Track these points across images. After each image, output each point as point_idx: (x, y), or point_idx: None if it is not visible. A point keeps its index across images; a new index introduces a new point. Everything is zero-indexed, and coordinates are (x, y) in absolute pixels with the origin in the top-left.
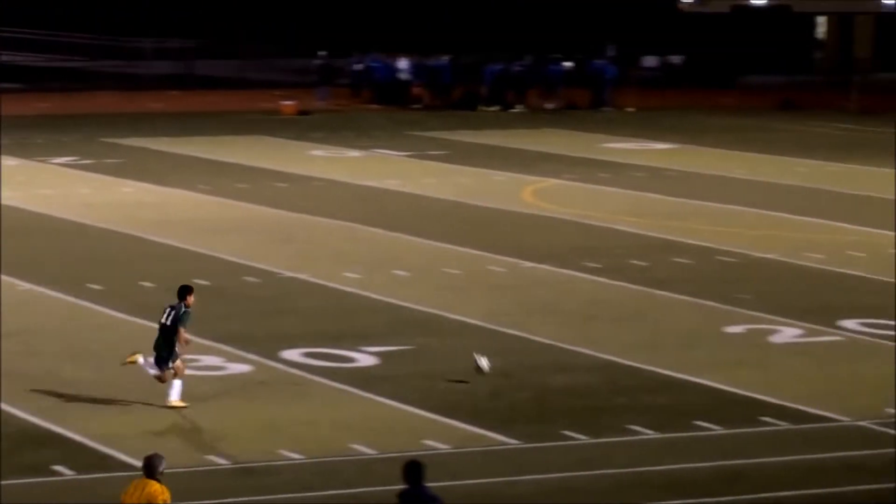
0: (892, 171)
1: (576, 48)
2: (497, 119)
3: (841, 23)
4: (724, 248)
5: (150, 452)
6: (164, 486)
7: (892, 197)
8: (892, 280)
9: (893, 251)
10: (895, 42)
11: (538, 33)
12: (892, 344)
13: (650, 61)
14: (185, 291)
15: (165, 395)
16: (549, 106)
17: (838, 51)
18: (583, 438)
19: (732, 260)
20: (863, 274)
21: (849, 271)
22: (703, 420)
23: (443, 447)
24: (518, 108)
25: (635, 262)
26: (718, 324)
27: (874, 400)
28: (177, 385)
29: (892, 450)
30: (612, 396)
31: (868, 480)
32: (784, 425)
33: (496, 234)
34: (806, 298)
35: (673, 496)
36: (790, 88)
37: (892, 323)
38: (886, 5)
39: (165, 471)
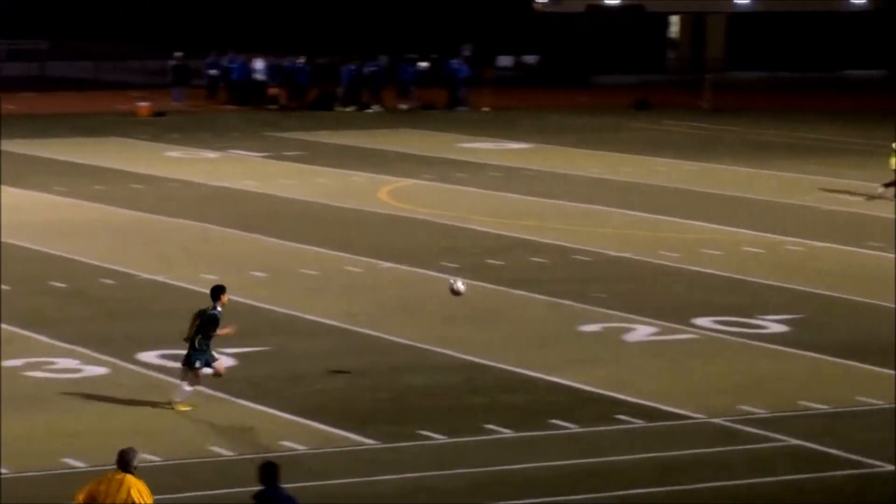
0: (746, 169)
1: (432, 48)
2: (354, 119)
3: (694, 22)
4: (580, 247)
5: (123, 447)
6: (140, 482)
7: (747, 195)
8: (746, 278)
9: (748, 249)
10: (747, 41)
11: (394, 34)
12: (746, 342)
13: (505, 61)
14: (218, 291)
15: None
16: (405, 106)
17: (691, 50)
18: (440, 438)
19: (588, 259)
20: (717, 272)
21: (703, 269)
22: (560, 419)
23: (301, 448)
24: (374, 109)
25: (492, 261)
26: (574, 322)
27: (728, 397)
28: (187, 389)
29: (745, 446)
30: (469, 396)
31: (722, 477)
32: (639, 423)
33: (353, 234)
34: (661, 297)
35: (530, 495)
36: (644, 88)
37: (746, 321)
38: (738, 5)
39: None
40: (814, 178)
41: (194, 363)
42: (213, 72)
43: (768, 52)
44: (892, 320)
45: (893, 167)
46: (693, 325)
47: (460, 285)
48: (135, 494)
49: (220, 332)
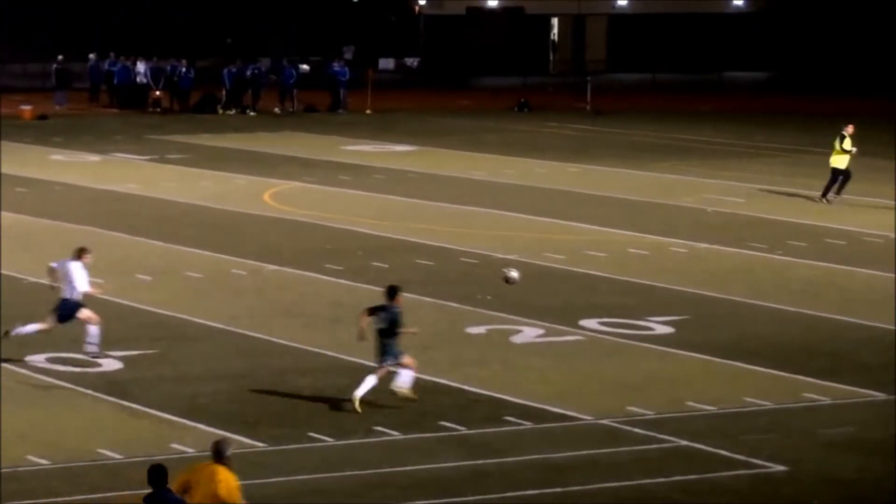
0: (629, 171)
1: (313, 51)
2: (236, 122)
3: (574, 24)
4: (465, 249)
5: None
6: (230, 472)
7: (631, 197)
8: (631, 279)
9: (632, 251)
10: (627, 43)
11: (276, 36)
12: (632, 343)
13: (387, 63)
14: (395, 291)
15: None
16: (287, 109)
17: (572, 52)
18: (328, 440)
19: (473, 261)
20: (602, 274)
21: (588, 271)
22: (448, 420)
23: (189, 450)
24: (256, 112)
25: (377, 263)
26: (460, 324)
27: (615, 398)
28: (408, 374)
29: (633, 447)
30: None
31: (611, 478)
32: (527, 424)
33: (238, 237)
34: (547, 298)
35: (418, 496)
36: (526, 90)
37: (632, 322)
38: (618, 7)
39: None
40: (696, 180)
41: (387, 361)
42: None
43: (649, 54)
44: (776, 319)
45: (837, 165)
46: (579, 327)
47: (514, 274)
48: (222, 490)
49: (407, 330)
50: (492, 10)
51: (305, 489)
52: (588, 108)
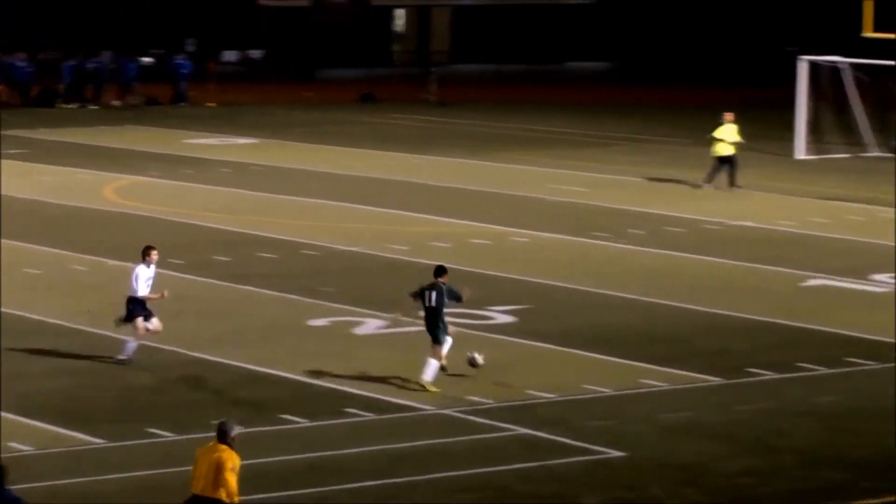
0: (473, 161)
1: (155, 43)
2: (77, 116)
3: (419, 16)
4: (309, 241)
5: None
6: (233, 452)
7: (474, 187)
8: (474, 270)
9: (475, 241)
10: (472, 34)
11: (117, 29)
12: (474, 332)
13: (230, 56)
14: (441, 271)
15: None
16: (128, 102)
17: (417, 43)
18: (168, 435)
19: (316, 253)
20: (445, 264)
21: (432, 262)
22: (289, 413)
23: (27, 449)
24: (96, 105)
25: (220, 257)
26: (303, 317)
27: (457, 388)
28: (434, 366)
29: (474, 436)
30: (197, 392)
31: (452, 467)
32: (368, 416)
33: (78, 232)
34: (389, 290)
35: (259, 490)
36: (370, 81)
37: (475, 312)
38: None
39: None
40: (539, 170)
41: (441, 338)
42: None
43: (493, 44)
44: (617, 307)
45: (719, 153)
46: (422, 318)
47: (479, 358)
48: (216, 467)
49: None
50: (336, 2)
51: (145, 485)
52: (432, 99)
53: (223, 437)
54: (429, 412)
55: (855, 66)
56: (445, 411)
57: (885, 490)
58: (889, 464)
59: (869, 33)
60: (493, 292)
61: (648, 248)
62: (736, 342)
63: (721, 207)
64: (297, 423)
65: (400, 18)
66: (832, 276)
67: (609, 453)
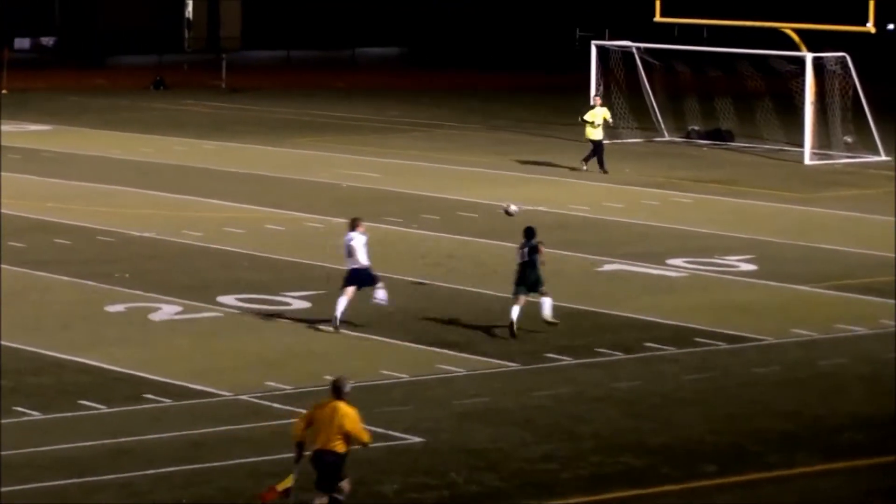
0: (266, 147)
1: None
2: None
3: (209, 2)
4: (103, 227)
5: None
6: (349, 406)
7: (267, 173)
8: (269, 255)
9: (269, 227)
10: (262, 21)
11: None
12: (268, 320)
13: (22, 43)
14: (533, 231)
15: (541, 311)
16: None
17: (207, 30)
18: None
19: (111, 239)
20: (240, 250)
21: (226, 248)
22: (88, 399)
23: None
24: None
25: (14, 243)
26: (99, 303)
27: (254, 374)
28: (548, 302)
29: (273, 422)
30: None
31: (249, 453)
32: (167, 402)
33: None
34: (185, 275)
35: (58, 476)
36: (161, 68)
37: (270, 298)
38: None
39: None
40: (332, 156)
41: (538, 287)
42: None
43: (283, 31)
44: (413, 293)
45: (589, 137)
46: (218, 304)
47: (513, 207)
48: (348, 424)
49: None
50: None
51: None
52: (224, 85)
53: (338, 392)
54: (227, 398)
55: (646, 52)
56: (244, 397)
57: (685, 476)
58: (688, 449)
59: (660, 19)
60: (288, 277)
61: (442, 232)
62: (534, 327)
63: (514, 193)
64: (97, 409)
65: (190, 4)
66: (628, 261)
67: (408, 439)
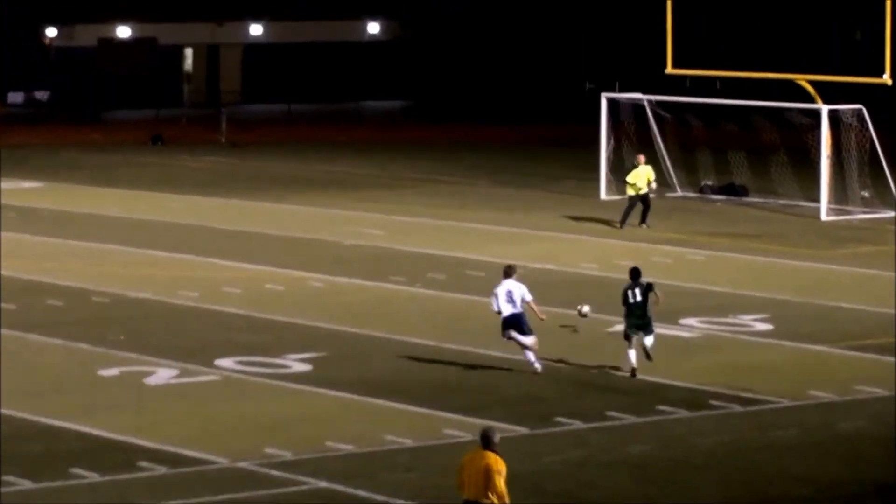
0: (266, 204)
1: None
2: None
3: (208, 55)
4: (98, 288)
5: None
6: (499, 457)
7: (267, 231)
8: (268, 316)
9: (269, 286)
10: (263, 73)
11: None
12: (270, 381)
13: (16, 97)
14: (639, 272)
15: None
16: None
17: (206, 83)
18: None
19: (105, 300)
20: (238, 311)
21: (224, 308)
22: (80, 467)
23: None
24: None
25: (7, 305)
26: (92, 367)
27: (253, 440)
28: (652, 340)
29: (270, 490)
30: None
31: None
32: (162, 469)
33: None
34: (181, 338)
35: None
36: (159, 122)
37: (269, 360)
38: (252, 36)
39: None
40: (335, 213)
41: (650, 327)
42: None
43: (284, 84)
44: (418, 354)
45: (632, 193)
46: (215, 367)
47: (586, 309)
48: (488, 476)
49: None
50: (123, 41)
51: None
52: (223, 139)
53: (488, 443)
54: (224, 465)
55: (658, 105)
56: (241, 464)
57: None
58: None
59: (672, 70)
60: (288, 339)
61: (448, 292)
62: (544, 390)
63: (523, 251)
64: (89, 477)
65: (189, 58)
66: None
67: None
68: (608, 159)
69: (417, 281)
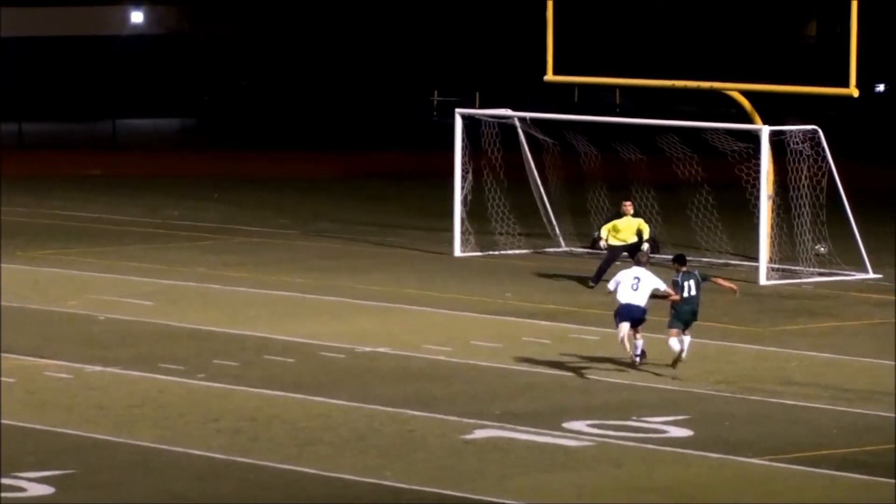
0: None
1: None
2: None
3: None
4: None
5: None
6: None
7: None
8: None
9: None
10: None
11: None
12: None
13: None
14: (685, 259)
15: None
16: None
17: None
18: None
19: None
20: None
21: None
22: None
23: None
24: None
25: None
26: None
27: None
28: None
29: None
30: None
31: None
32: None
33: None
34: None
35: None
36: None
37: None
38: None
39: None
40: (84, 275)
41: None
42: None
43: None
44: (202, 469)
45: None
46: None
47: (822, 249)
48: None
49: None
50: None
51: None
52: None
53: None
54: None
55: (534, 125)
56: None
57: None
58: None
59: (553, 77)
60: (20, 454)
61: (242, 386)
62: None
63: (345, 328)
64: None
65: None
66: (507, 425)
67: None
68: (464, 200)
69: (199, 370)
